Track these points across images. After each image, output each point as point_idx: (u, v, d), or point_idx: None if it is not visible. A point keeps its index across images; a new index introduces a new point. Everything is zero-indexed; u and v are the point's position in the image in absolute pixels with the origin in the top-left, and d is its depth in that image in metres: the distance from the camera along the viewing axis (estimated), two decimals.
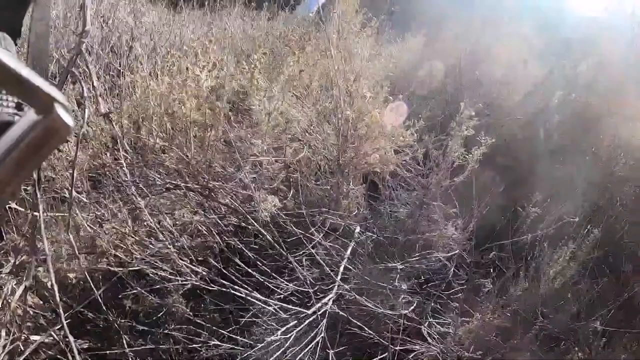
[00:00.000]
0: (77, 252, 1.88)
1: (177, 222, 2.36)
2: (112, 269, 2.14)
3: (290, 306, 2.04)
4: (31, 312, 1.97)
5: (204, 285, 2.08)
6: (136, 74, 2.37)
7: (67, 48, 3.18)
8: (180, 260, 2.07)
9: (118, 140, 2.36)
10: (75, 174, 1.91)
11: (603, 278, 3.06)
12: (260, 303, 2.03)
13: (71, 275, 2.15)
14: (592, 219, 3.72)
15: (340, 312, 2.09)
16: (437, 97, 5.08)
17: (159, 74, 2.33)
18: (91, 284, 2.03)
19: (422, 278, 2.48)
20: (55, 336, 1.89)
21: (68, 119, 0.36)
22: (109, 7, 3.94)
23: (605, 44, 4.56)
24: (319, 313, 2.03)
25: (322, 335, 1.98)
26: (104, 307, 2.03)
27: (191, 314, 2.16)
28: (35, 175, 1.53)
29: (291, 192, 2.29)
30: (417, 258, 2.44)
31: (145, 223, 2.19)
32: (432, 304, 2.34)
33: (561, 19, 7.22)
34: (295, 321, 2.02)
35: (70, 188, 1.85)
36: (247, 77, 2.14)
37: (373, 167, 2.38)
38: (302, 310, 2.03)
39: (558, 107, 4.48)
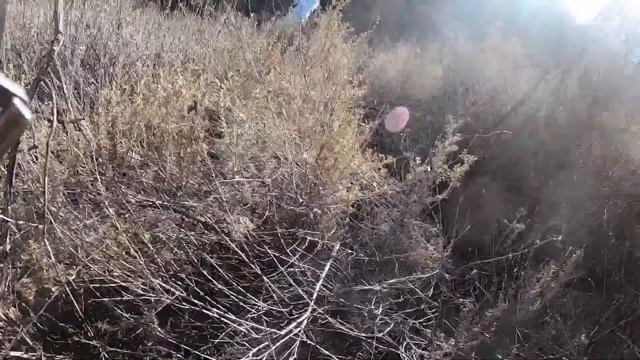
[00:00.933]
0: (53, 261, 1.84)
1: (153, 239, 2.31)
2: (88, 285, 2.09)
3: (262, 327, 2.00)
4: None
5: (177, 305, 2.03)
6: (114, 89, 2.32)
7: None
8: (154, 279, 2.02)
9: (93, 154, 2.31)
10: (47, 183, 1.87)
11: (589, 292, 3.05)
12: (233, 324, 1.99)
13: (53, 287, 2.10)
14: (577, 234, 3.73)
15: (314, 334, 2.05)
16: (422, 109, 5.06)
17: (137, 89, 2.28)
18: (72, 297, 1.98)
19: (401, 298, 2.44)
20: (36, 351, 1.85)
21: (26, 112, 0.41)
22: (93, 16, 3.88)
23: (595, 54, 4.55)
24: (293, 334, 1.98)
25: (295, 357, 1.94)
26: (83, 323, 1.99)
27: (164, 332, 2.12)
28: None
29: (267, 211, 2.25)
30: (396, 279, 2.40)
31: (118, 240, 2.14)
32: (411, 325, 2.30)
33: (551, 29, 7.25)
34: (268, 342, 1.97)
35: (44, 197, 1.82)
36: (218, 98, 2.10)
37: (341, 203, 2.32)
38: (274, 330, 1.99)
39: (546, 119, 4.48)
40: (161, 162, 2.23)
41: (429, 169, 2.67)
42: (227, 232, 2.07)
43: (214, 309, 2.00)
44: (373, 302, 2.26)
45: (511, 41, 6.78)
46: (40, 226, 1.87)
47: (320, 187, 2.28)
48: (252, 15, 8.05)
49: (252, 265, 2.09)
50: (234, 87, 2.21)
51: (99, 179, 2.27)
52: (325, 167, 2.20)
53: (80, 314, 2.00)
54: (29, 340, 1.90)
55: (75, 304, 1.97)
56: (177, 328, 2.20)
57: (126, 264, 2.07)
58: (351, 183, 2.26)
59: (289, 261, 2.18)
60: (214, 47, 3.64)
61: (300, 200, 2.14)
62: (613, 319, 2.91)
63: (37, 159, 2.26)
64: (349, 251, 2.57)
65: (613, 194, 3.98)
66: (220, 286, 2.11)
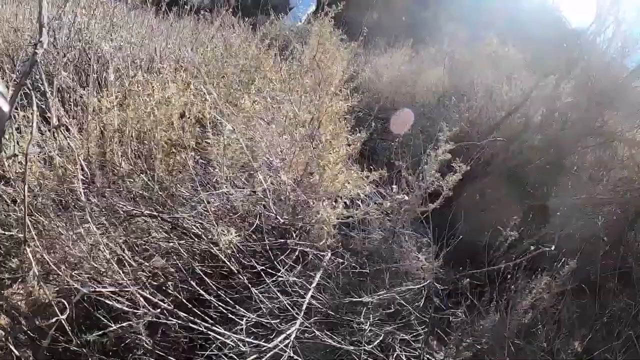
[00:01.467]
0: (35, 271, 1.80)
1: (139, 249, 2.29)
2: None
3: (249, 339, 1.97)
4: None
5: (164, 318, 2.01)
6: (104, 96, 2.29)
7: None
8: (141, 291, 1.99)
9: (80, 162, 2.28)
10: (26, 191, 1.84)
11: (582, 299, 3.04)
12: (220, 337, 1.96)
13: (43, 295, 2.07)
14: (571, 241, 3.72)
15: (303, 346, 2.02)
16: (417, 114, 5.04)
17: (128, 97, 2.25)
18: (65, 304, 1.94)
19: (392, 308, 2.41)
20: None
21: (4, 104, 0.45)
22: (85, 21, 3.84)
23: (590, 59, 4.53)
24: (280, 347, 1.96)
25: None
26: (72, 332, 1.96)
27: (152, 344, 2.09)
28: None
29: (257, 219, 2.22)
30: (386, 290, 2.37)
31: (105, 252, 2.11)
32: (401, 337, 2.28)
33: (547, 33, 7.25)
34: (256, 355, 1.95)
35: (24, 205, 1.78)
36: (206, 107, 2.07)
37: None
38: (262, 343, 1.97)
39: (541, 125, 4.47)
40: (150, 171, 2.20)
41: (419, 182, 2.65)
42: (215, 242, 2.04)
43: (202, 322, 1.97)
44: (363, 314, 2.24)
45: (507, 45, 6.79)
46: (21, 235, 1.84)
47: (303, 205, 2.24)
48: (246, 20, 8.03)
49: (240, 276, 2.06)
50: (221, 97, 2.18)
51: (88, 188, 2.25)
52: (309, 184, 2.17)
53: (69, 323, 1.97)
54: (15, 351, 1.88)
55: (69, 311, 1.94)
56: (168, 337, 2.17)
57: (111, 278, 2.05)
58: (335, 201, 2.22)
59: (279, 272, 2.16)
60: (206, 54, 3.60)
61: (281, 221, 2.10)
62: (607, 327, 2.90)
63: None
64: (340, 260, 2.55)
65: (608, 201, 3.97)
66: (208, 297, 2.08)
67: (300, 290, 2.15)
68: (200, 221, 2.15)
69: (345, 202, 2.29)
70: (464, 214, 3.49)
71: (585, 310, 3.00)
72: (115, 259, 2.13)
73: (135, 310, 1.98)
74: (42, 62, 3.43)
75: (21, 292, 2.19)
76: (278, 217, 2.16)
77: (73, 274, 2.00)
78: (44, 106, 2.37)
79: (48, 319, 2.03)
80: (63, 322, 1.87)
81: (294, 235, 2.36)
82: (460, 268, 3.09)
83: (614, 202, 4.02)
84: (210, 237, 2.05)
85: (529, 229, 3.64)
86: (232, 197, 2.16)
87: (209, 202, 2.12)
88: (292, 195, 2.10)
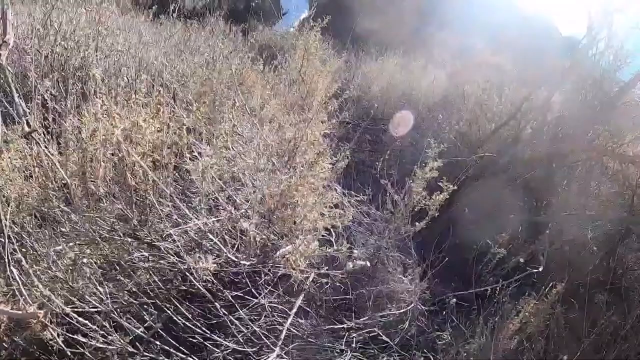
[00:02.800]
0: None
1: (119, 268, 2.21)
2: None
3: None
4: None
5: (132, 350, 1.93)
6: (84, 115, 2.21)
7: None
8: (106, 325, 1.92)
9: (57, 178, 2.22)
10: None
11: (572, 313, 2.99)
12: None
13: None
14: (561, 255, 3.69)
15: None
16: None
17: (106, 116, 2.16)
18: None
19: (376, 332, 2.35)
20: None
21: None
22: (71, 27, 3.75)
23: (582, 72, 4.49)
24: None
25: None
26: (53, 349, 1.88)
27: None
28: None
29: (237, 241, 2.15)
30: (369, 316, 2.31)
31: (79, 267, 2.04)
32: None
33: (539, 43, 7.24)
34: None
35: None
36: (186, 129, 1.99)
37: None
38: None
39: (531, 138, 4.43)
40: (126, 195, 2.12)
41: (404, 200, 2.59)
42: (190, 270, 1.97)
43: (176, 352, 1.90)
44: (345, 338, 2.18)
45: (498, 55, 6.77)
46: None
47: (273, 243, 2.15)
48: (237, 25, 8.00)
49: (218, 302, 1.99)
50: (199, 120, 2.11)
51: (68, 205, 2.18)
52: (282, 217, 2.09)
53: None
54: None
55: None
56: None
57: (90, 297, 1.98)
58: (313, 231, 2.14)
59: (260, 295, 2.08)
60: (189, 70, 3.50)
61: (247, 264, 2.02)
62: (596, 341, 2.87)
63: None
64: (324, 280, 2.47)
65: (598, 217, 3.94)
66: (184, 323, 2.01)
67: (280, 316, 2.08)
68: (177, 246, 2.08)
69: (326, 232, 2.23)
70: (453, 227, 3.44)
71: (575, 325, 2.96)
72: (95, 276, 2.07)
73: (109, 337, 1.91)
74: (22, 66, 3.36)
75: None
76: (242, 262, 2.07)
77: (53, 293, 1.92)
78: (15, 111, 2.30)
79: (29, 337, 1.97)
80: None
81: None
82: (448, 284, 3.05)
83: (604, 217, 3.98)
84: (187, 264, 1.97)
85: (518, 244, 3.60)
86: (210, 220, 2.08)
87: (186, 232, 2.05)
88: (259, 238, 2.00)
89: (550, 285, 2.56)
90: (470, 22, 11.37)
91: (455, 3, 12.49)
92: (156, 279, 2.12)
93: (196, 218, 2.04)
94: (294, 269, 2.01)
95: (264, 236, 2.09)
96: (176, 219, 2.11)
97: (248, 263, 2.02)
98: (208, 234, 2.04)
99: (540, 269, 2.79)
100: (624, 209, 3.95)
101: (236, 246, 2.14)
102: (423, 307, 2.63)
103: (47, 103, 2.64)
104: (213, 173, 1.94)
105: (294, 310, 2.06)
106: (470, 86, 5.42)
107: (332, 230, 2.31)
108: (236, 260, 2.04)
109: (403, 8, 13.21)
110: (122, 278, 2.15)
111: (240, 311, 2.07)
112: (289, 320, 2.02)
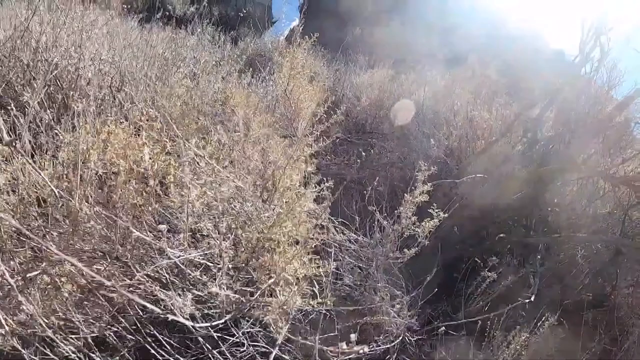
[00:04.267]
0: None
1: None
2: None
3: None
4: None
5: None
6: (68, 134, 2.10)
7: None
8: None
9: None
10: None
11: (562, 333, 2.93)
12: None
13: None
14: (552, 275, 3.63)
15: None
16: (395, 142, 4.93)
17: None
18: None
19: None
20: None
21: None
22: (52, 36, 3.62)
23: (574, 91, 4.45)
24: None
25: None
26: None
27: None
28: None
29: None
30: (356, 349, 2.21)
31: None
32: None
33: (529, 58, 7.21)
34: None
35: None
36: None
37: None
38: None
39: (521, 158, 4.37)
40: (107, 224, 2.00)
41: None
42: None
43: None
44: None
45: (488, 68, 6.74)
46: None
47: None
48: (227, 33, 7.91)
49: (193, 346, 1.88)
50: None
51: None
52: (260, 265, 1.98)
53: None
54: None
55: None
56: None
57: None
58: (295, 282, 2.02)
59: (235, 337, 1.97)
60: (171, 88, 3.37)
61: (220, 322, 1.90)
62: None
63: None
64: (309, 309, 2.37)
65: (588, 238, 3.88)
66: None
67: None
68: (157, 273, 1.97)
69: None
70: (442, 245, 3.37)
71: (567, 349, 2.90)
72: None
73: None
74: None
75: None
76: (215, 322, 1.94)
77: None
78: None
79: None
80: None
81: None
82: (437, 304, 2.98)
83: (593, 239, 3.94)
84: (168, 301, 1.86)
85: (508, 265, 3.53)
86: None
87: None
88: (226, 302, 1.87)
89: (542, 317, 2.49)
90: (460, 34, 11.38)
91: (446, 15, 12.51)
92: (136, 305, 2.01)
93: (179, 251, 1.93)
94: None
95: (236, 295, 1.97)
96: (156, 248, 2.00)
97: (221, 322, 1.90)
98: (186, 268, 1.93)
99: (532, 298, 2.71)
100: (614, 230, 3.92)
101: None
102: (411, 338, 2.53)
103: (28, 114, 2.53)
104: (198, 205, 1.83)
105: (275, 350, 1.94)
106: (460, 100, 5.36)
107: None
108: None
109: (392, 19, 13.21)
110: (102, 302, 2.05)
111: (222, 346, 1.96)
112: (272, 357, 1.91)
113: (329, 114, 2.76)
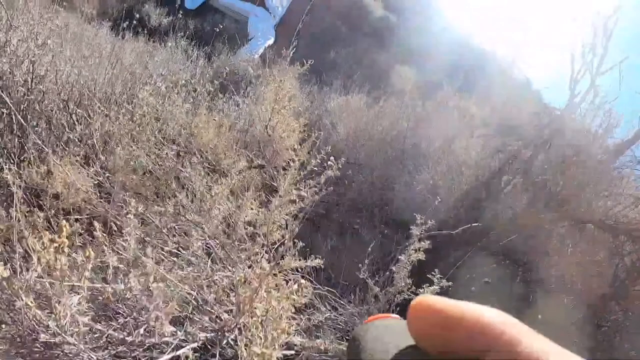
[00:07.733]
0: None
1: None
2: None
3: None
4: None
5: None
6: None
7: None
8: None
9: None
10: None
11: None
12: None
13: None
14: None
15: None
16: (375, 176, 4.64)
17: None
18: None
19: None
20: None
21: None
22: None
23: (567, 134, 4.25)
24: None
25: None
26: None
27: None
28: None
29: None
30: None
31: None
32: None
33: (509, 93, 7.04)
34: None
35: None
36: None
37: None
38: None
39: (512, 200, 4.14)
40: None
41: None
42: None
43: None
44: None
45: (466, 100, 6.55)
46: None
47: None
48: (201, 48, 7.60)
49: None
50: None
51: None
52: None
53: None
54: None
55: None
56: None
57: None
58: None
59: None
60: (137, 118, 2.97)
61: None
62: None
63: None
64: None
65: (579, 290, 3.67)
66: None
67: None
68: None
69: None
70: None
71: None
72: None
73: None
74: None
75: None
76: None
77: None
78: None
79: None
80: None
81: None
82: None
83: (584, 288, 3.74)
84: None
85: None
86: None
87: None
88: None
89: None
90: (438, 61, 11.29)
91: (427, 45, 12.43)
92: None
93: None
94: None
95: None
96: None
97: None
98: None
99: None
100: (605, 280, 3.73)
101: None
102: None
103: None
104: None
105: None
106: (441, 134, 5.11)
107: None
108: None
109: (370, 43, 13.07)
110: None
111: None
112: None
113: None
